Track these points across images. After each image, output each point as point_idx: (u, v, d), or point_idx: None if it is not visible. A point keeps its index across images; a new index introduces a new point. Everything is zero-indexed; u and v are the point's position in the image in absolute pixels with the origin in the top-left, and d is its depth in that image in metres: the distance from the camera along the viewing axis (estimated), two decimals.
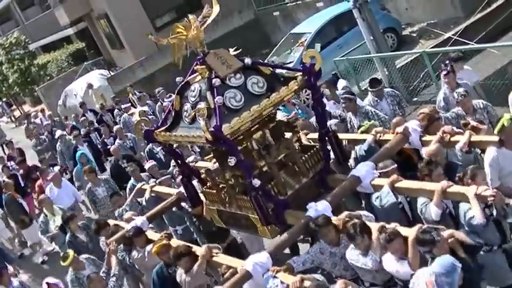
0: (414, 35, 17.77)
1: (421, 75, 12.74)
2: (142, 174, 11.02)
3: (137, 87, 23.88)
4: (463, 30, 14.07)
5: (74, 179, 14.24)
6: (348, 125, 9.44)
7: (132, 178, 11.01)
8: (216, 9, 6.96)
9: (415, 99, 12.78)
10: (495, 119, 7.58)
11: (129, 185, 10.93)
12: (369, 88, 10.15)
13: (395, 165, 6.95)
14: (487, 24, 14.25)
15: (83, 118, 18.79)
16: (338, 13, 16.88)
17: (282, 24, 23.45)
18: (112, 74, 25.54)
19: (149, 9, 26.37)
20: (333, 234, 6.32)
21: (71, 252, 8.53)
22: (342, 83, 11.37)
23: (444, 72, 8.93)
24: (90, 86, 23.68)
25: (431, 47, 14.01)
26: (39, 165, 15.85)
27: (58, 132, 17.41)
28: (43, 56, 35.55)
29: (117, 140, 14.28)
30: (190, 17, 6.94)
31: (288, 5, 22.71)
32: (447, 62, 9.21)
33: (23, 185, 15.62)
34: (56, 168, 14.76)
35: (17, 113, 37.51)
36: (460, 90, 8.27)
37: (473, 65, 11.53)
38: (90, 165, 13.39)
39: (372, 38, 13.25)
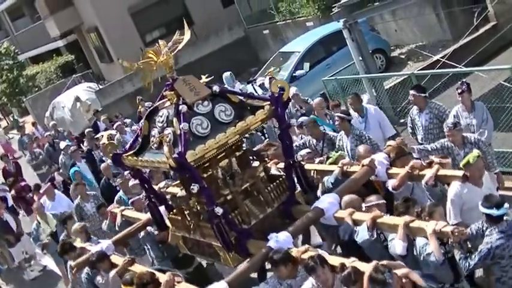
0: (403, 56, 17.93)
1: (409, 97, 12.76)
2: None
3: (125, 101, 23.98)
4: (452, 53, 14.13)
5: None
6: (338, 143, 9.40)
7: (120, 190, 10.95)
8: (187, 36, 7.00)
9: (402, 120, 12.78)
10: (486, 157, 7.62)
11: (116, 197, 10.88)
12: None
13: (383, 200, 6.91)
14: (475, 48, 14.40)
15: (88, 130, 17.75)
16: (327, 33, 16.98)
17: (271, 42, 23.63)
18: (100, 87, 25.51)
19: (139, 24, 26.61)
20: (289, 269, 6.23)
21: None
22: (366, 97, 11.36)
23: (459, 91, 8.76)
24: (77, 99, 23.59)
25: (420, 69, 14.08)
26: (31, 186, 15.16)
27: (62, 144, 16.85)
28: (32, 67, 35.65)
29: None
30: (161, 42, 6.97)
31: (278, 23, 22.86)
32: (463, 80, 9.10)
33: (10, 205, 15.25)
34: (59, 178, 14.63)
35: (3, 123, 37.37)
36: (450, 121, 8.22)
37: None
38: (85, 183, 13.04)
39: (360, 58, 13.30)
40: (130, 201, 9.77)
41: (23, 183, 16.17)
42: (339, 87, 12.81)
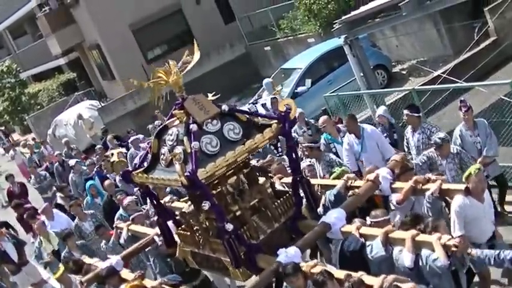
0: (404, 72, 18.16)
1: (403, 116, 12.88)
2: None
3: (127, 118, 24.20)
4: (452, 69, 14.30)
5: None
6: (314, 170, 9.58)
7: (121, 208, 11.05)
8: (197, 56, 7.18)
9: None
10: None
11: (117, 215, 10.98)
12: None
13: (388, 216, 7.11)
14: (476, 63, 14.65)
15: (98, 146, 17.70)
16: (329, 49, 17.22)
17: (272, 59, 23.93)
18: (102, 105, 25.78)
19: (141, 41, 26.78)
20: (300, 281, 6.44)
21: (62, 267, 8.84)
22: (382, 109, 11.31)
23: (465, 109, 8.85)
24: (80, 116, 23.72)
25: (421, 85, 14.27)
26: (37, 208, 14.59)
27: (72, 162, 16.58)
28: (34, 85, 35.86)
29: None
30: (171, 62, 7.15)
31: (279, 40, 23.14)
32: (462, 99, 9.19)
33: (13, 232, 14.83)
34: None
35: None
36: (441, 135, 8.44)
37: None
38: (80, 203, 12.97)
39: (362, 74, 13.41)
40: (131, 217, 9.92)
41: (28, 205, 15.92)
42: (340, 103, 12.96)
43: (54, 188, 16.74)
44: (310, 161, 9.58)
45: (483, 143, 8.81)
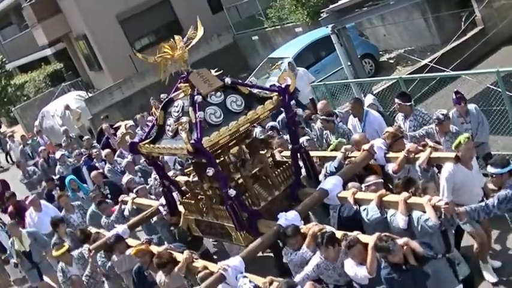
0: (391, 61, 18.31)
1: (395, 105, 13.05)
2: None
3: (114, 109, 24.29)
4: (440, 58, 14.46)
5: None
6: (325, 141, 9.95)
7: (93, 204, 11.14)
8: (201, 32, 7.55)
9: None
10: None
11: (89, 211, 11.18)
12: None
13: (381, 179, 7.50)
14: (463, 52, 14.86)
15: (87, 137, 17.41)
16: (316, 38, 17.34)
17: (260, 48, 24.07)
18: (90, 95, 25.71)
19: (128, 31, 26.72)
20: (300, 242, 6.86)
21: (66, 245, 9.14)
22: (371, 97, 11.19)
23: (457, 101, 8.89)
24: (67, 107, 23.65)
25: (408, 74, 14.30)
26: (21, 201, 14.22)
27: (58, 154, 16.24)
28: (20, 76, 35.72)
29: (107, 165, 13.75)
30: (176, 37, 7.51)
31: (267, 29, 23.27)
32: (456, 90, 9.18)
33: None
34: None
35: None
36: (443, 111, 8.55)
37: (449, 92, 11.69)
38: (68, 194, 12.89)
39: (349, 63, 13.52)
40: (135, 190, 10.25)
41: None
42: (327, 92, 13.07)
43: (44, 184, 15.83)
44: (309, 136, 9.94)
45: (474, 130, 8.82)
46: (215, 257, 9.61)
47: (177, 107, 7.43)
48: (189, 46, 7.44)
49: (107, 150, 14.24)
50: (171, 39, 7.49)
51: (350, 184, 7.51)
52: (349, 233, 6.46)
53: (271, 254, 9.24)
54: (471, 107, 9.01)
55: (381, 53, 18.69)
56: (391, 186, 7.78)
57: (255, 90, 7.65)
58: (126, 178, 11.47)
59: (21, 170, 17.58)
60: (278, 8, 22.32)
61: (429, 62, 14.45)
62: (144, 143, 7.74)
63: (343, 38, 13.33)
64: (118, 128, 14.00)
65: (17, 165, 18.90)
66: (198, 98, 7.04)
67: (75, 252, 9.30)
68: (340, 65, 14.16)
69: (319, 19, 14.14)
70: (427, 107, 12.29)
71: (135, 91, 24.88)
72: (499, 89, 9.15)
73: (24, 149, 20.67)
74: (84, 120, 23.15)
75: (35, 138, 21.78)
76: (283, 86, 7.40)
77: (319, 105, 11.21)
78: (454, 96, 8.95)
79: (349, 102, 10.68)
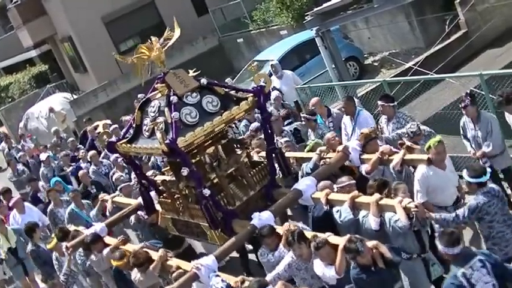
0: (376, 64, 18.37)
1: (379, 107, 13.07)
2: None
3: (99, 111, 24.26)
4: (424, 61, 14.56)
5: None
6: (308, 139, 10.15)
7: (73, 203, 11.23)
8: (177, 32, 7.63)
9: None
10: None
11: (68, 210, 11.21)
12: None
13: (353, 181, 7.56)
14: (447, 55, 14.98)
15: (71, 139, 17.43)
16: (301, 41, 17.33)
17: (245, 51, 24.04)
18: (75, 97, 25.68)
19: (113, 33, 26.61)
20: (276, 242, 6.93)
21: (54, 239, 9.22)
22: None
23: (462, 105, 8.47)
24: (51, 109, 23.55)
25: (392, 76, 14.51)
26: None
27: (43, 155, 16.18)
28: (5, 78, 35.49)
29: (92, 166, 13.72)
30: (153, 38, 7.58)
31: (252, 32, 23.26)
32: (467, 92, 8.74)
33: None
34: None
35: None
36: (414, 126, 8.31)
37: (432, 95, 11.98)
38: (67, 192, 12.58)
39: (333, 66, 13.52)
40: (119, 187, 10.34)
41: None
42: (312, 95, 12.97)
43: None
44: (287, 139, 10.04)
45: (483, 139, 8.44)
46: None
47: (153, 107, 7.50)
48: (166, 47, 7.51)
49: (93, 152, 14.17)
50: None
51: (321, 183, 7.57)
52: (319, 234, 6.54)
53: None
54: (484, 114, 8.57)
55: (365, 55, 18.74)
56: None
57: (231, 91, 7.73)
58: (116, 175, 11.51)
59: (11, 168, 17.42)
60: (263, 10, 22.33)
61: (413, 65, 14.58)
62: (121, 142, 7.81)
63: (328, 41, 13.36)
64: (97, 127, 14.04)
65: (7, 162, 18.80)
66: (174, 99, 7.13)
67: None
68: (324, 67, 14.15)
69: (304, 22, 14.17)
70: (411, 109, 12.35)
71: (120, 93, 24.84)
72: (483, 92, 9.16)
73: (10, 152, 20.64)
74: (69, 122, 23.07)
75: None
76: (258, 87, 7.48)
77: (312, 100, 11.10)
78: (464, 97, 8.52)
79: (342, 99, 10.75)
